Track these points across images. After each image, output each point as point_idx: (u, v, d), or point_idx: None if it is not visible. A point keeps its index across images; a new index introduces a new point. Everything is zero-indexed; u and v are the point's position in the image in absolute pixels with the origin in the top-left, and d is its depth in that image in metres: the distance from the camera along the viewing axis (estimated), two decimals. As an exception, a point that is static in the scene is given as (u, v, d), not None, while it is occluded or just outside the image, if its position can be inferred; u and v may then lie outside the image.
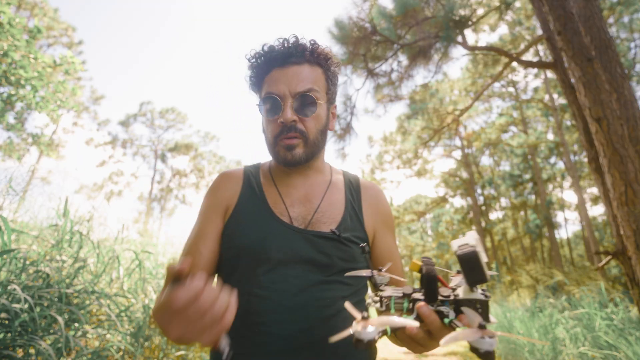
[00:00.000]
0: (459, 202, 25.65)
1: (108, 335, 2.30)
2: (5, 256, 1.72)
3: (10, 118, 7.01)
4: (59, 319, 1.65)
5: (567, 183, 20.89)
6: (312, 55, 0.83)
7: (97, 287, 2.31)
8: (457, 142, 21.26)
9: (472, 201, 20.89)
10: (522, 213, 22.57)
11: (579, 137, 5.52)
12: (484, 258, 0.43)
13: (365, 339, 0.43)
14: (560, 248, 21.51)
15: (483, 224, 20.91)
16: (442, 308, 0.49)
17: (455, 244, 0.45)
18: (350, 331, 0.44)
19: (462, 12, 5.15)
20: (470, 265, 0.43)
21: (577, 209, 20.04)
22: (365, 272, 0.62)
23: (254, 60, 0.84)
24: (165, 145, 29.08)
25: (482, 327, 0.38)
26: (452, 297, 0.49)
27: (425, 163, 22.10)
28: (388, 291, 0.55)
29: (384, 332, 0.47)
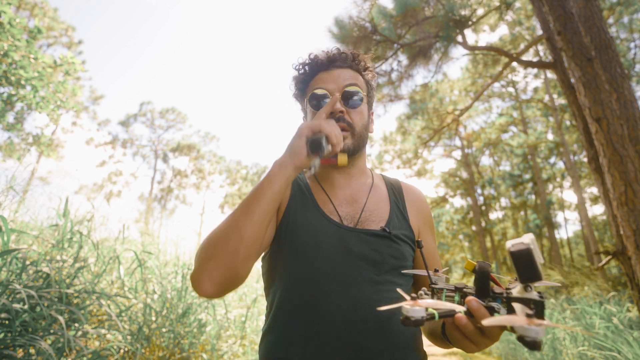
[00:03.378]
0: (459, 202, 25.68)
1: (108, 336, 2.30)
2: (5, 256, 1.72)
3: (10, 118, 7.02)
4: (60, 318, 1.65)
5: (567, 183, 20.89)
6: (353, 62, 0.90)
7: (98, 287, 2.31)
8: (457, 142, 21.26)
9: (472, 201, 20.89)
10: (522, 213, 22.57)
11: (579, 137, 5.52)
12: (538, 258, 0.43)
13: (413, 317, 0.45)
14: (560, 248, 21.51)
15: (483, 224, 20.91)
16: (494, 304, 0.50)
17: (509, 243, 0.45)
18: (400, 307, 0.47)
19: (462, 12, 5.15)
20: (522, 262, 0.43)
21: (577, 209, 20.05)
22: (421, 272, 0.62)
23: (300, 67, 0.90)
24: (167, 145, 29.09)
25: (529, 316, 0.39)
26: (504, 295, 0.49)
27: (425, 163, 22.09)
28: (440, 284, 0.56)
29: (432, 317, 0.47)
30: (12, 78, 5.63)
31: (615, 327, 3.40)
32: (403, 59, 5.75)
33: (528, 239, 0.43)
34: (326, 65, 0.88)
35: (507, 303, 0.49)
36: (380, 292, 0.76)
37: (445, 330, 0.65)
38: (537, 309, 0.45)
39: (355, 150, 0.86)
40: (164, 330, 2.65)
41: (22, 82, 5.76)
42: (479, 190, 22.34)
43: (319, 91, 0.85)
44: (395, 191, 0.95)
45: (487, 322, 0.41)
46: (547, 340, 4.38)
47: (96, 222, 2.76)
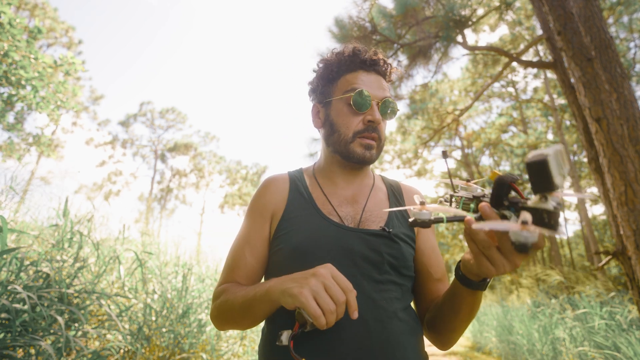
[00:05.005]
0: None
1: (108, 336, 2.30)
2: (5, 256, 1.72)
3: (10, 118, 7.02)
4: (59, 319, 1.65)
5: (567, 183, 20.88)
6: (387, 72, 0.91)
7: (98, 287, 2.31)
8: (457, 142, 21.26)
9: (472, 201, 20.88)
10: (522, 213, 22.52)
11: (579, 137, 5.53)
12: (559, 168, 0.40)
13: (420, 218, 0.48)
14: (560, 248, 21.50)
15: (483, 224, 20.89)
16: (506, 212, 0.48)
17: (530, 153, 0.42)
18: (409, 209, 0.49)
19: (462, 12, 5.15)
20: (535, 172, 0.41)
21: (577, 209, 20.05)
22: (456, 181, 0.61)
23: (344, 53, 0.88)
24: (165, 145, 29.09)
25: (524, 223, 0.39)
26: (520, 204, 0.47)
27: (425, 163, 22.10)
28: (461, 192, 0.55)
29: (440, 220, 0.49)
30: (13, 78, 5.63)
31: (616, 326, 3.40)
32: (403, 59, 5.74)
33: (552, 149, 0.41)
34: (368, 65, 0.87)
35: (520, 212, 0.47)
36: (381, 292, 0.75)
37: (461, 263, 0.64)
38: (550, 219, 0.43)
39: (375, 161, 0.88)
40: (164, 330, 2.65)
41: (23, 82, 5.76)
42: (479, 190, 22.31)
43: (362, 92, 0.83)
44: (395, 192, 0.95)
45: (477, 225, 0.42)
46: (547, 340, 4.38)
47: (96, 222, 2.77)
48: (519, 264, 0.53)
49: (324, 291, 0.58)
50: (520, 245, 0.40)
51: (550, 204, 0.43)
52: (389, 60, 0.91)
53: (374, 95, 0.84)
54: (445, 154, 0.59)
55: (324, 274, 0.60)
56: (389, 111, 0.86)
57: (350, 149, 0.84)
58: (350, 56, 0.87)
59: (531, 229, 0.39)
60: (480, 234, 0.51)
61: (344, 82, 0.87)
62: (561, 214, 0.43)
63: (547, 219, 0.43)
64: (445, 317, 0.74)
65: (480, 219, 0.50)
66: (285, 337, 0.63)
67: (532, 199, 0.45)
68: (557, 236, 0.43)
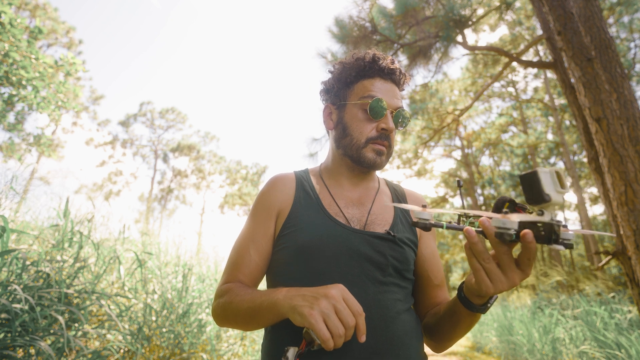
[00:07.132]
0: (459, 202, 25.65)
1: (108, 336, 2.30)
2: (5, 256, 1.72)
3: (11, 118, 7.02)
4: (60, 319, 1.65)
5: (567, 183, 20.86)
6: (402, 82, 0.92)
7: (98, 287, 2.31)
8: (457, 142, 21.24)
9: (472, 201, 20.88)
10: (522, 213, 22.49)
11: (579, 137, 5.53)
12: (551, 182, 0.44)
13: (421, 218, 0.54)
14: (561, 248, 21.47)
15: (483, 224, 20.86)
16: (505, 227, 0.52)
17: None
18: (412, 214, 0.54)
19: (462, 12, 5.15)
20: (526, 184, 0.44)
21: (577, 208, 20.03)
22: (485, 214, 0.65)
23: (364, 59, 0.89)
24: (167, 145, 29.10)
25: (505, 213, 0.45)
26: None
27: (425, 163, 22.08)
28: (469, 212, 0.58)
29: (440, 225, 0.54)
30: (13, 78, 5.63)
31: (616, 325, 3.40)
32: (403, 59, 5.74)
33: (549, 168, 0.45)
34: (385, 73, 0.88)
35: (519, 227, 0.49)
36: (385, 293, 0.76)
37: (464, 285, 0.66)
38: (546, 231, 0.45)
39: (384, 167, 0.89)
40: (164, 330, 2.65)
41: (23, 82, 5.76)
42: (479, 190, 22.33)
43: (379, 100, 0.84)
44: (399, 196, 0.96)
45: (463, 212, 0.47)
46: (547, 340, 4.38)
47: (97, 222, 2.77)
48: (517, 282, 0.54)
49: (334, 314, 0.57)
50: (499, 232, 0.44)
51: (546, 217, 0.45)
52: (405, 73, 0.92)
53: (389, 104, 0.85)
54: (459, 183, 0.63)
55: (335, 296, 0.59)
56: (400, 120, 0.88)
57: (362, 154, 0.85)
58: (370, 62, 0.88)
59: (511, 217, 0.44)
60: (479, 245, 0.54)
61: (360, 88, 0.87)
62: (559, 227, 0.45)
63: (543, 231, 0.45)
64: (443, 329, 0.76)
65: (480, 233, 0.53)
66: (291, 354, 0.62)
67: (532, 215, 0.48)
68: (558, 248, 0.45)
